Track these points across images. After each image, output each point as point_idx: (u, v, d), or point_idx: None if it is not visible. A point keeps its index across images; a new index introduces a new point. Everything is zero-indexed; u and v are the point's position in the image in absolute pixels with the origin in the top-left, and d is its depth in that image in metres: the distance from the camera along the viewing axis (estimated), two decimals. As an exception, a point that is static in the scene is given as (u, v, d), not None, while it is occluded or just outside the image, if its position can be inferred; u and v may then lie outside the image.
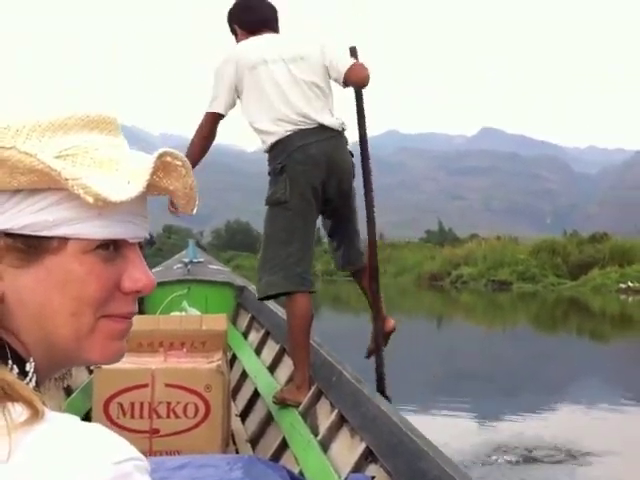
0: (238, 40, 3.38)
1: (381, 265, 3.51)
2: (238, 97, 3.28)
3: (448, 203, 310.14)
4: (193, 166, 3.17)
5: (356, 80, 3.22)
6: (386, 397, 3.06)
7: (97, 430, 0.62)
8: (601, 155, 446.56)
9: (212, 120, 3.30)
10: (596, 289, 25.81)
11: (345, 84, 3.24)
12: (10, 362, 0.65)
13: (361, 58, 3.28)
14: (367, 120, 3.35)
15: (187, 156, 2.80)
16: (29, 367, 0.67)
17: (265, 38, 3.30)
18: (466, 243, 38.47)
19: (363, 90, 3.31)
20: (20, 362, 0.66)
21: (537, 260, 29.83)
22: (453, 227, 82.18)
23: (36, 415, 0.60)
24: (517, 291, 27.89)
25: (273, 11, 3.42)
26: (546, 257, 29.92)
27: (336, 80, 3.25)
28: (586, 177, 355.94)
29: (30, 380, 0.66)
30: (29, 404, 0.61)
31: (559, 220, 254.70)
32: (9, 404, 0.61)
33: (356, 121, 3.36)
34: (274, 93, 3.15)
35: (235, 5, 3.43)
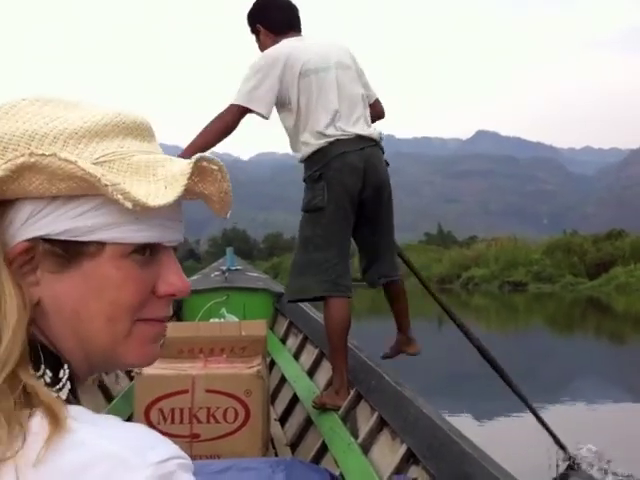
0: (261, 40, 3.30)
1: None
2: (276, 103, 3.17)
3: (445, 206, 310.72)
4: (201, 151, 2.78)
5: (378, 113, 3.40)
6: None
7: (139, 429, 0.63)
8: (596, 155, 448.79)
9: (241, 113, 3.13)
10: (620, 288, 24.36)
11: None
12: (43, 367, 0.65)
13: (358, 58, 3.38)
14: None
15: (198, 140, 3.11)
16: (62, 374, 0.66)
17: (309, 42, 3.24)
18: (474, 245, 37.28)
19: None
20: (55, 367, 0.66)
21: (552, 260, 28.46)
22: (451, 230, 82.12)
23: (56, 424, 0.59)
24: (534, 292, 26.54)
25: (296, 10, 3.36)
26: (561, 256, 28.61)
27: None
28: (582, 178, 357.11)
29: (63, 387, 0.66)
30: (51, 412, 0.60)
31: (556, 221, 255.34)
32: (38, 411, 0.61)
33: None
34: (320, 105, 3.12)
35: (258, 4, 3.35)
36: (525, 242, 32.75)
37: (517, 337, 16.06)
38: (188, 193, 0.71)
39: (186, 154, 2.98)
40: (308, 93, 3.09)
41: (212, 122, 3.11)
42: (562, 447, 3.72)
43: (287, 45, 3.16)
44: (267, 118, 3.13)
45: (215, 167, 0.71)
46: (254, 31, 3.34)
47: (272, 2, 3.33)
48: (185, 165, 0.68)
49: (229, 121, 3.10)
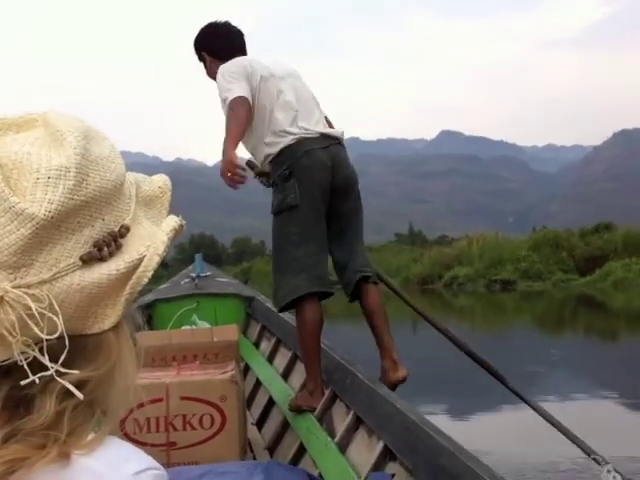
0: (208, 67, 3.41)
1: (361, 269, 3.43)
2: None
3: (412, 207, 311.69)
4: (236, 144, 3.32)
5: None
6: None
7: (113, 442, 0.65)
8: (559, 153, 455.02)
9: (246, 101, 3.12)
10: (618, 284, 23.01)
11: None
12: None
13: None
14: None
15: (229, 141, 3.16)
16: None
17: (259, 58, 3.34)
18: (454, 242, 36.02)
19: None
20: None
21: (540, 255, 27.11)
22: (420, 230, 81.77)
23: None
24: (523, 290, 25.16)
25: (240, 36, 3.46)
26: (549, 252, 27.26)
27: None
28: (546, 175, 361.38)
29: None
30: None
31: (521, 219, 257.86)
32: None
33: None
34: (280, 107, 3.18)
35: (202, 32, 3.46)
36: (507, 238, 31.46)
37: (507, 338, 14.79)
38: None
39: (228, 155, 3.01)
40: (269, 95, 3.16)
41: (230, 122, 3.09)
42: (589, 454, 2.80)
43: (245, 57, 3.30)
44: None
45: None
46: (201, 59, 3.45)
47: (214, 30, 3.42)
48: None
49: (246, 110, 3.10)
